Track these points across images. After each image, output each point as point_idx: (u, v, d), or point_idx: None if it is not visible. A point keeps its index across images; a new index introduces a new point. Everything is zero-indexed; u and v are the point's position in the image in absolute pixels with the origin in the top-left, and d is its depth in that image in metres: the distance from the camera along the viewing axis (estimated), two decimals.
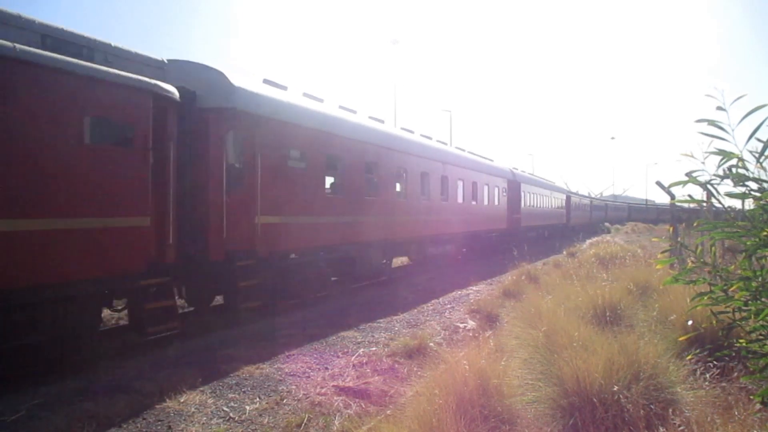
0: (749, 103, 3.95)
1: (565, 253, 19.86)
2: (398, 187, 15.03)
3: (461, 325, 8.61)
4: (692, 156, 4.08)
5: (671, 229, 8.49)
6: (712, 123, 3.90)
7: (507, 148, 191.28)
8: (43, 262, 5.86)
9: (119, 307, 7.72)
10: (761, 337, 4.17)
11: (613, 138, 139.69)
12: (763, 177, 3.86)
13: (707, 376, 4.41)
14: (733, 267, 4.33)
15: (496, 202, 23.43)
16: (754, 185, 3.90)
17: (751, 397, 4.00)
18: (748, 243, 3.94)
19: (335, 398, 5.29)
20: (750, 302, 4.04)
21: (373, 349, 7.18)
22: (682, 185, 4.28)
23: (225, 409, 5.14)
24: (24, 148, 5.71)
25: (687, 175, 4.17)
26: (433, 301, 10.98)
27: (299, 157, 10.53)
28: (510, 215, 25.15)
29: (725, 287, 4.17)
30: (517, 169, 29.03)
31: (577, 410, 3.75)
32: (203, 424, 4.80)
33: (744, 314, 4.13)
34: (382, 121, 15.21)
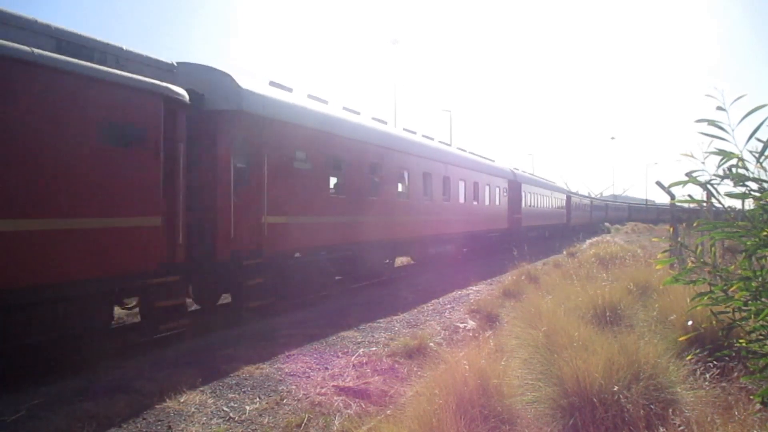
0: (749, 103, 3.96)
1: (565, 253, 19.84)
2: (401, 188, 15.08)
3: (461, 325, 8.61)
4: (692, 156, 4.08)
5: (671, 229, 8.48)
6: (712, 123, 3.90)
7: (507, 148, 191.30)
8: (66, 261, 6.09)
9: (129, 305, 7.86)
10: (761, 337, 4.17)
11: (613, 138, 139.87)
12: (763, 177, 3.86)
13: (707, 376, 4.41)
14: (733, 267, 4.33)
15: (498, 203, 23.45)
16: (754, 185, 3.90)
17: (751, 397, 3.99)
18: (748, 243, 3.94)
19: (335, 398, 5.28)
20: (750, 302, 4.04)
21: (373, 349, 7.18)
22: (682, 185, 4.29)
23: (225, 409, 5.14)
24: (43, 151, 5.91)
25: (687, 175, 4.18)
26: (433, 301, 10.98)
27: (304, 158, 10.62)
28: (511, 215, 25.17)
29: (725, 287, 4.17)
30: (518, 169, 29.04)
31: (577, 410, 3.74)
32: (203, 424, 4.80)
33: (744, 314, 4.13)
34: (385, 122, 15.29)
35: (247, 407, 5.17)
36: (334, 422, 4.73)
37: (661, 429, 3.49)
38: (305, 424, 4.70)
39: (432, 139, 18.09)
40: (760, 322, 3.98)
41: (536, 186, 31.19)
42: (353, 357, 6.70)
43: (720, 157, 3.92)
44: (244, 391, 5.59)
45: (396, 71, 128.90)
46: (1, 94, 5.54)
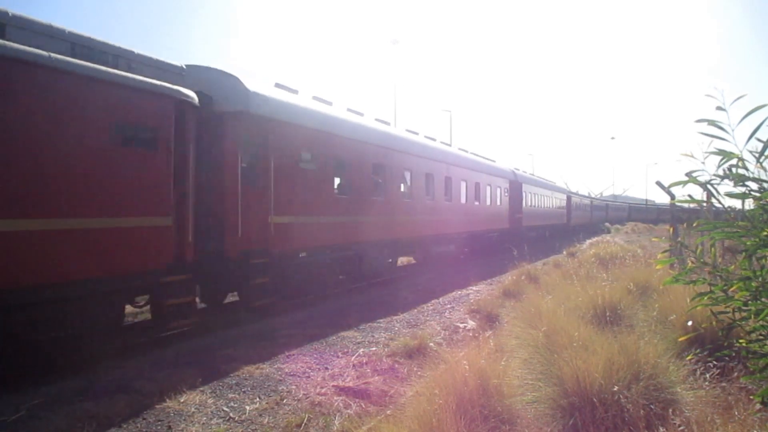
0: (749, 103, 3.95)
1: (565, 253, 19.83)
2: (403, 188, 15.15)
3: (461, 325, 8.61)
4: (692, 156, 4.08)
5: (671, 229, 8.47)
6: (712, 123, 3.89)
7: (507, 148, 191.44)
8: (83, 259, 6.24)
9: (140, 304, 7.96)
10: (761, 337, 4.17)
11: (613, 138, 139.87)
12: (763, 177, 3.85)
13: (707, 376, 4.40)
14: (733, 267, 4.33)
15: (498, 203, 23.48)
16: (754, 185, 3.89)
17: (751, 397, 3.99)
18: (748, 243, 3.93)
19: (335, 398, 5.28)
20: (750, 302, 4.04)
21: (373, 349, 7.18)
22: (682, 185, 4.28)
23: (225, 409, 5.14)
24: (64, 154, 6.03)
25: (687, 175, 4.17)
26: (433, 301, 10.98)
27: (310, 159, 10.72)
28: (512, 215, 25.21)
29: (725, 287, 4.17)
30: (518, 169, 29.06)
31: (577, 410, 3.74)
32: (203, 424, 4.80)
33: (744, 314, 4.13)
34: (388, 123, 15.38)
35: (247, 407, 5.18)
36: (334, 422, 4.73)
37: (661, 429, 3.49)
38: (305, 424, 4.70)
39: (434, 139, 18.11)
40: (760, 322, 3.98)
41: (537, 186, 31.21)
42: (353, 357, 6.70)
43: (720, 157, 3.92)
44: (244, 391, 5.59)
45: (396, 71, 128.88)
46: (34, 100, 5.73)
